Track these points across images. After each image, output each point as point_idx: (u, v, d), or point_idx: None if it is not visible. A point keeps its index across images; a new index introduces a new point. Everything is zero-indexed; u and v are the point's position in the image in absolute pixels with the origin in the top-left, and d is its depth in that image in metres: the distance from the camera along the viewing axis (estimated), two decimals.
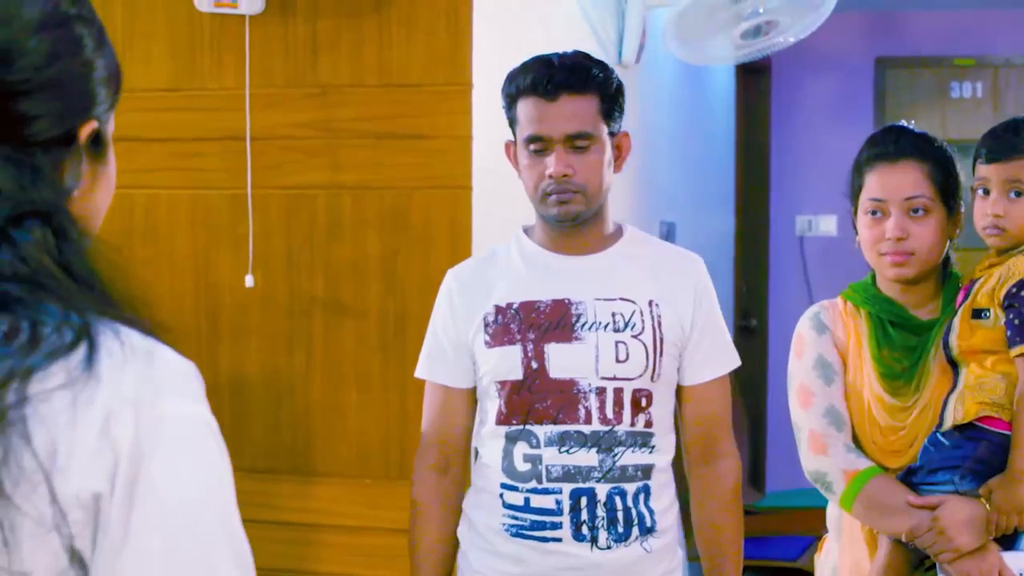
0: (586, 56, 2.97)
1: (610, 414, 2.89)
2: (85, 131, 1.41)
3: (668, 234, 6.04)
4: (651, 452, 2.92)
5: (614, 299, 2.94)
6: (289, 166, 3.83)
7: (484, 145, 3.69)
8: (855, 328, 3.02)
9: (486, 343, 2.96)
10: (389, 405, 3.75)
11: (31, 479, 1.21)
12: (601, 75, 2.92)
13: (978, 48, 8.23)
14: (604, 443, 2.89)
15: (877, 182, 2.97)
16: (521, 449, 2.92)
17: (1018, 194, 2.88)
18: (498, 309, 2.97)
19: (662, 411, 2.97)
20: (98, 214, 1.48)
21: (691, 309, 2.97)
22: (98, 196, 1.47)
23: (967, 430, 2.81)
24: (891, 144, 2.99)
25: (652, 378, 2.93)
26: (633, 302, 2.94)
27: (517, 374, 2.92)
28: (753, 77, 8.15)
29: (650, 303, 2.95)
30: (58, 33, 1.38)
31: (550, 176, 2.88)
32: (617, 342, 2.90)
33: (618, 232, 3.05)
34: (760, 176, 8.29)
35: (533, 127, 2.89)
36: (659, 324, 2.94)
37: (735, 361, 3.08)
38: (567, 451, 2.88)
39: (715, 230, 7.49)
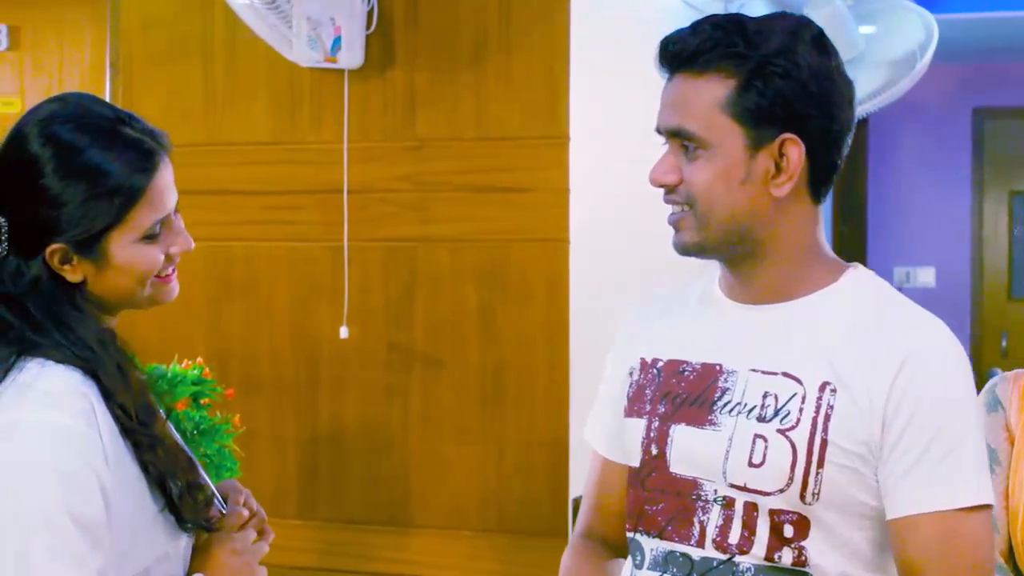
0: (764, 18, 2.02)
1: (733, 538, 1.97)
2: (51, 251, 1.95)
3: None
4: None
5: (774, 373, 2.00)
6: (386, 219, 3.85)
7: (582, 198, 3.69)
8: None
9: (624, 409, 2.14)
10: (487, 457, 3.75)
11: None
12: (744, 49, 1.96)
13: None
14: None
15: None
16: (628, 567, 2.11)
17: None
18: (643, 364, 2.14)
19: (834, 549, 1.97)
20: (114, 292, 2.00)
21: (884, 400, 1.93)
22: (108, 282, 1.99)
23: None
24: None
25: (803, 497, 1.94)
26: (798, 381, 1.97)
27: (635, 459, 2.09)
28: None
29: (823, 387, 1.95)
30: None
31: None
32: (756, 436, 1.96)
33: (831, 275, 2.06)
34: (858, 227, 8.23)
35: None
36: (827, 419, 1.93)
37: (974, 495, 1.91)
38: None
39: None
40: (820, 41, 2.01)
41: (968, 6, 6.96)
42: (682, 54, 1.98)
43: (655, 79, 2.12)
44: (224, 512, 2.13)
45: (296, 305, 3.95)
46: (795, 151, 1.98)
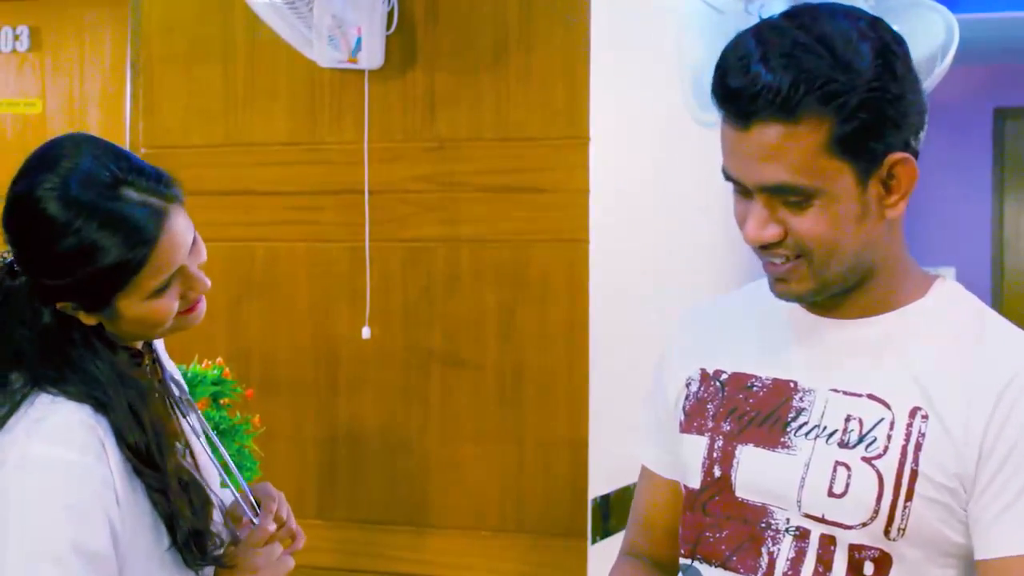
0: (831, 28, 1.75)
1: (806, 572, 1.82)
2: (62, 306, 2.00)
3: None
4: None
5: (859, 395, 1.84)
6: (407, 219, 3.85)
7: (602, 198, 3.69)
8: None
9: (680, 424, 2.01)
10: (506, 457, 3.75)
11: None
12: (842, 83, 1.72)
13: None
14: None
15: None
16: None
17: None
18: (703, 376, 2.00)
19: None
20: (129, 334, 2.06)
21: (982, 429, 1.76)
22: (122, 328, 2.04)
23: None
24: None
25: (888, 532, 1.78)
26: (886, 405, 1.81)
27: (694, 480, 1.95)
28: None
29: (913, 412, 1.80)
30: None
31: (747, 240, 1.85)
32: (837, 463, 1.81)
33: (919, 288, 1.93)
34: None
35: (725, 159, 1.84)
36: (917, 448, 1.77)
37: None
38: None
39: None
40: (898, 39, 1.82)
41: (989, 6, 6.94)
42: (771, 104, 1.74)
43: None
44: (255, 521, 2.14)
45: (316, 306, 3.95)
46: (907, 169, 1.83)
